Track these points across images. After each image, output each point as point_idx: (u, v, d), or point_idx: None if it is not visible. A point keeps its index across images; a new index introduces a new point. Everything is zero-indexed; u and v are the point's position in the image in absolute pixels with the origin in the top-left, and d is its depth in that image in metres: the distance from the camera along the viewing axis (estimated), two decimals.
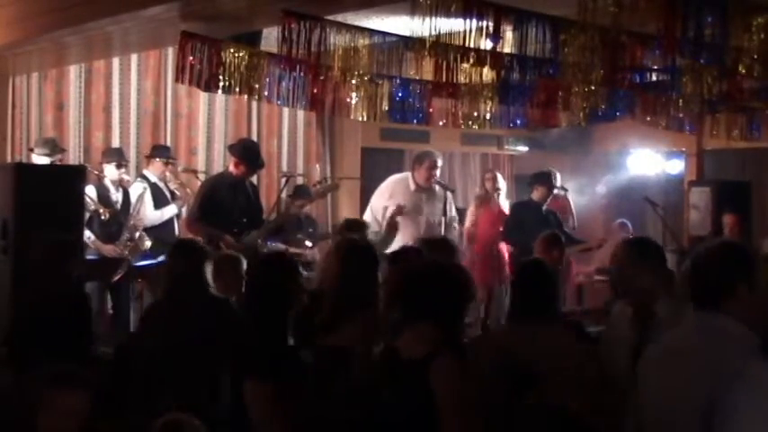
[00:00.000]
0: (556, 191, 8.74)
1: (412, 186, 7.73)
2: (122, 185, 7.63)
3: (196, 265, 4.44)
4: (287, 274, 3.81)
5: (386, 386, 3.31)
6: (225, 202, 6.72)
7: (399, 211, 7.37)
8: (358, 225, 6.30)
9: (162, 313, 4.54)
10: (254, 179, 7.67)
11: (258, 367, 3.52)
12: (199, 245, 4.95)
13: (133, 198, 7.57)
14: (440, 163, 7.86)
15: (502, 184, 9.06)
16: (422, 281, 3.37)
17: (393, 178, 7.98)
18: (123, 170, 7.66)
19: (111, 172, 7.58)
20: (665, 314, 3.83)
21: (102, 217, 7.11)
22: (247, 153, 6.95)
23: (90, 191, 7.03)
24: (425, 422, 3.09)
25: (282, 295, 3.74)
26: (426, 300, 3.30)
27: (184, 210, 7.81)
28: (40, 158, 7.32)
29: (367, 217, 7.71)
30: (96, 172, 7.57)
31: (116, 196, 7.53)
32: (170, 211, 7.81)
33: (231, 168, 6.93)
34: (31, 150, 7.58)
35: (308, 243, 8.14)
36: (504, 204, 8.98)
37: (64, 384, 2.94)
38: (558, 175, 8.80)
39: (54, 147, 7.50)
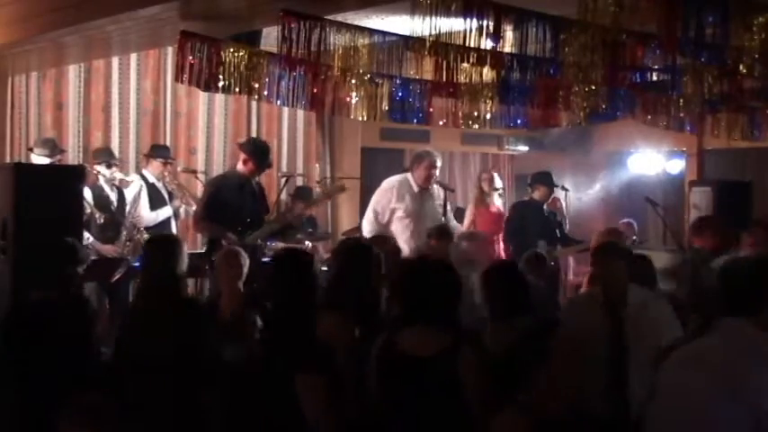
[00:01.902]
0: (556, 190, 8.70)
1: (415, 188, 7.68)
2: (117, 185, 7.61)
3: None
4: (309, 269, 3.82)
5: (390, 382, 3.35)
6: (232, 202, 6.67)
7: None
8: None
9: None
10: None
11: (311, 362, 3.48)
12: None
13: (129, 197, 7.55)
14: (439, 163, 7.78)
15: (498, 183, 9.03)
16: (429, 280, 3.40)
17: (394, 180, 7.78)
18: (114, 169, 7.62)
19: (102, 172, 7.56)
20: (634, 302, 4.35)
21: (99, 221, 7.11)
22: (257, 150, 6.91)
23: (86, 193, 7.01)
24: (452, 414, 3.23)
25: (309, 290, 3.73)
26: (433, 299, 3.34)
27: (181, 211, 7.78)
28: (39, 158, 7.30)
29: (369, 217, 7.65)
30: (95, 172, 7.56)
31: (112, 196, 7.51)
32: (165, 212, 7.76)
33: (239, 166, 6.89)
34: (31, 150, 7.56)
35: (307, 243, 8.13)
36: (499, 204, 8.96)
37: (84, 419, 2.87)
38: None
39: (53, 147, 7.48)
